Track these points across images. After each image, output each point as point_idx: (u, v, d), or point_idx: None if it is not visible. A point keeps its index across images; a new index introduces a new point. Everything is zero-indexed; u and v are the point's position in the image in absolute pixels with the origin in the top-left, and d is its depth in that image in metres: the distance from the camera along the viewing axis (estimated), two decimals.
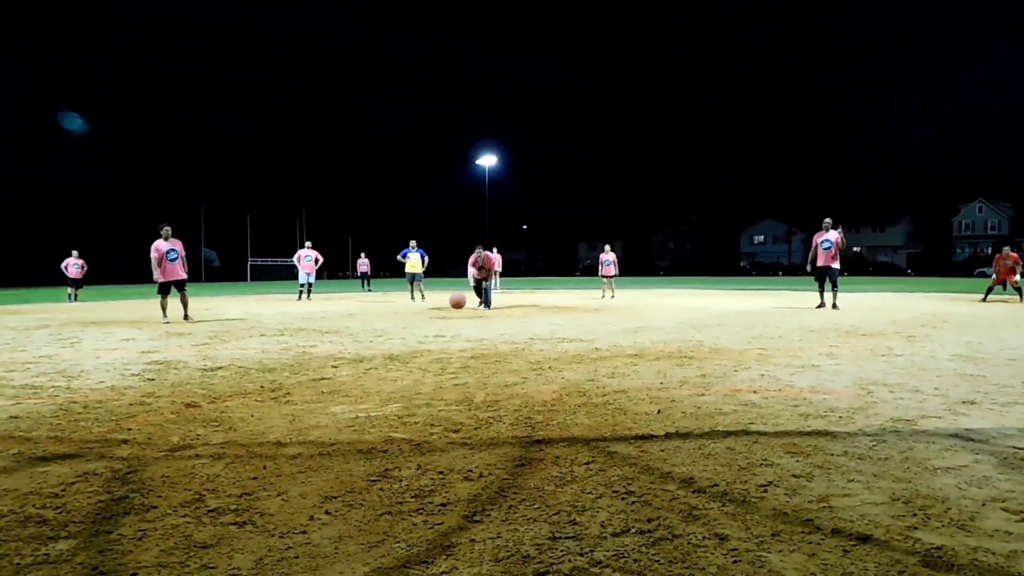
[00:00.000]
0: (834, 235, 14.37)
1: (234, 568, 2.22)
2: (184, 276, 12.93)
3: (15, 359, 7.43)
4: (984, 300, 17.78)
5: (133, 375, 6.19)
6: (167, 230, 12.71)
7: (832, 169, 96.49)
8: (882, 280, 45.64)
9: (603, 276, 22.62)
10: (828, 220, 14.59)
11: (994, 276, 18.47)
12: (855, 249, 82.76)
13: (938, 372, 5.95)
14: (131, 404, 4.88)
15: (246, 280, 60.38)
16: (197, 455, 3.56)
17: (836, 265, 14.45)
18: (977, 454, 3.45)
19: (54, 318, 14.40)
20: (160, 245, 12.64)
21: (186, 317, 12.77)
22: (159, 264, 12.63)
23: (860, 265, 77.47)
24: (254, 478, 3.16)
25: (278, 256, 64.73)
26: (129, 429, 4.13)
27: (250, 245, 63.63)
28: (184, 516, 2.68)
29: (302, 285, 22.01)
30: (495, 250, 27.55)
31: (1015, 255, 18.07)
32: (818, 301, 15.08)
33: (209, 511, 2.74)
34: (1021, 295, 17.60)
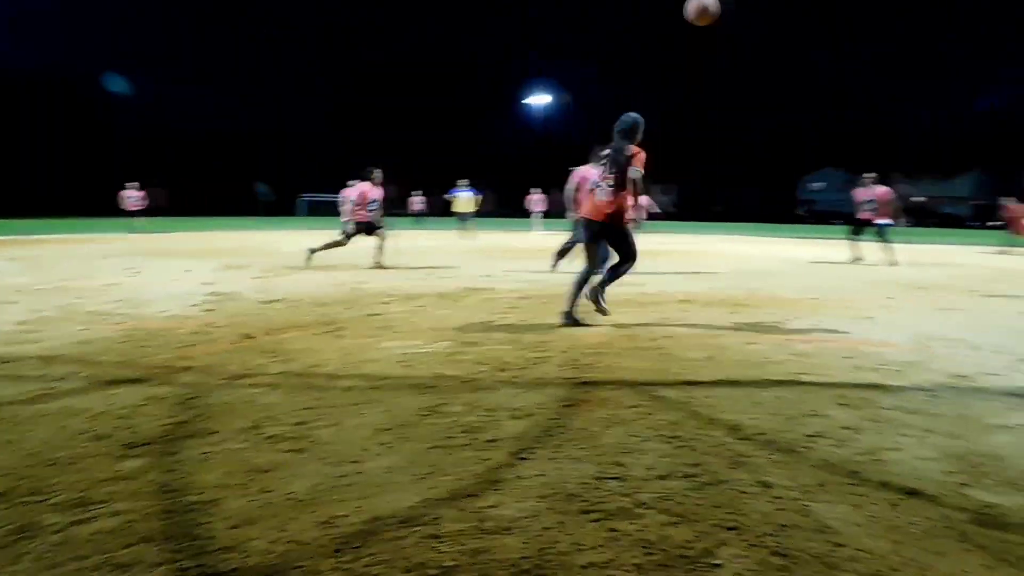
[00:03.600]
0: (880, 192, 13.01)
1: (291, 492, 2.32)
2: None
3: (85, 286, 7.74)
4: None
5: (193, 305, 6.40)
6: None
7: (897, 116, 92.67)
8: (946, 232, 44.04)
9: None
10: (871, 175, 13.23)
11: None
12: (919, 199, 79.73)
13: (1001, 328, 5.78)
14: (192, 333, 5.06)
15: (299, 215, 61.28)
16: (255, 384, 3.69)
17: (883, 220, 13.01)
18: None
19: (120, 248, 14.92)
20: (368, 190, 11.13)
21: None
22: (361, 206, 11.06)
23: (923, 216, 74.79)
24: (309, 408, 3.27)
25: (331, 192, 65.44)
26: (191, 357, 4.29)
27: (302, 181, 64.28)
28: (244, 442, 2.80)
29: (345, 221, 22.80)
30: (538, 190, 26.69)
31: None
32: (852, 255, 13.38)
33: (267, 438, 2.85)
34: None
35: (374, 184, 11.15)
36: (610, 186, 5.56)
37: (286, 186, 65.56)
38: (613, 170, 5.56)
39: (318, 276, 9.20)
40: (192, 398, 3.40)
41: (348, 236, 11.09)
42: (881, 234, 13.17)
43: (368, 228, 11.09)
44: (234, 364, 4.12)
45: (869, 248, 13.50)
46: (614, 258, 5.85)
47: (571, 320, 5.59)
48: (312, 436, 2.89)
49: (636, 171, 5.41)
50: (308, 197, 63.92)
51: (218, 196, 57.41)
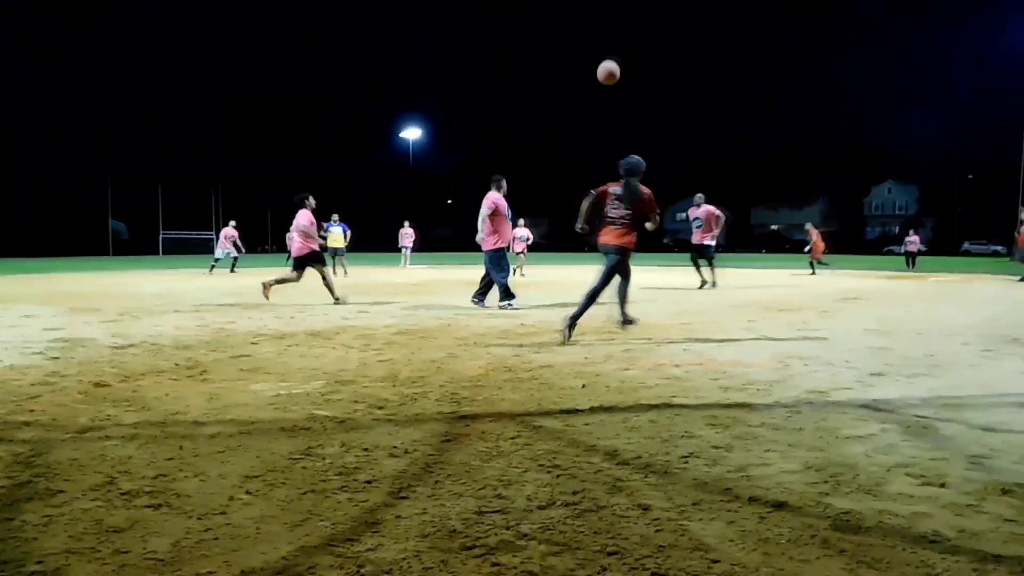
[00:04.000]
0: (704, 211, 13.88)
1: (150, 552, 2.14)
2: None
3: None
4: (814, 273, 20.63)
5: (35, 353, 5.87)
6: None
7: (753, 149, 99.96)
8: (799, 257, 47.32)
9: (514, 252, 19.97)
10: (700, 196, 14.14)
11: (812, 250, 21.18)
12: (773, 227, 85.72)
13: (850, 345, 6.23)
14: (33, 384, 4.63)
15: (158, 254, 57.97)
16: (108, 436, 3.41)
17: (709, 242, 13.95)
18: (884, 423, 3.63)
19: None
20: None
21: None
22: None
23: (777, 242, 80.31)
24: (170, 459, 3.05)
25: (192, 229, 62.45)
26: (32, 411, 3.91)
27: (162, 217, 60.94)
28: (95, 500, 2.56)
29: (217, 259, 22.70)
30: (407, 223, 26.74)
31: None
32: (698, 281, 14.10)
33: (122, 494, 2.62)
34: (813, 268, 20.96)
35: (311, 210, 11.02)
36: (624, 221, 6.49)
37: (145, 223, 62.00)
38: (629, 206, 6.49)
39: (180, 318, 8.70)
40: (33, 456, 3.09)
41: (302, 269, 10.84)
42: (706, 256, 14.05)
43: (317, 256, 10.97)
44: (84, 416, 3.79)
45: (723, 273, 14.28)
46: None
47: (628, 321, 6.86)
48: (174, 489, 2.68)
49: (654, 220, 6.65)
50: (169, 234, 60.77)
51: (64, 235, 53.42)
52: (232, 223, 22.96)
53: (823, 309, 9.63)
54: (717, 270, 14.22)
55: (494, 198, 9.82)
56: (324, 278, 10.86)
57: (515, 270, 19.56)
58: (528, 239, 21.44)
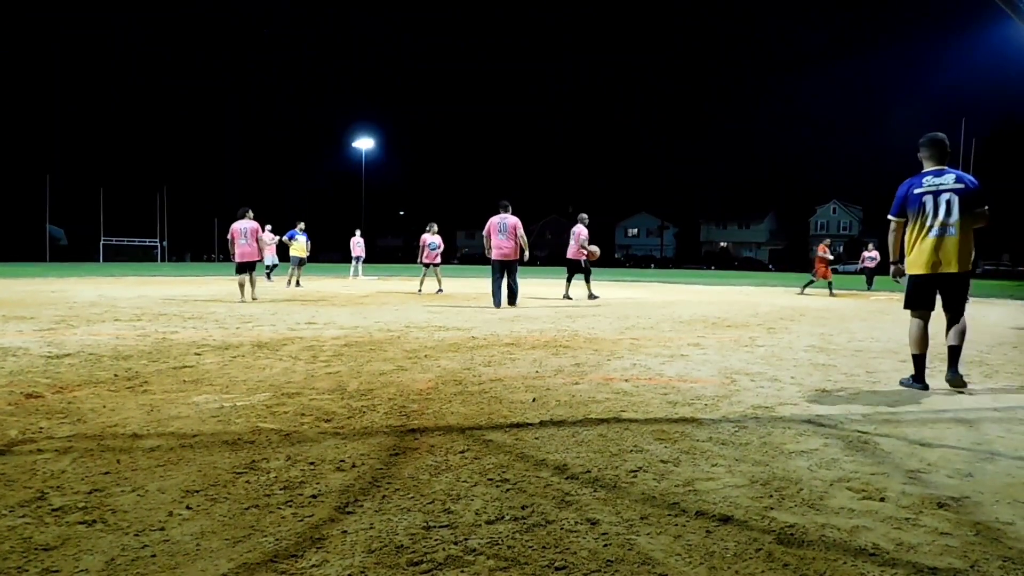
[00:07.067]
0: (575, 229, 14.92)
1: (81, 571, 2.05)
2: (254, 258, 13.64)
3: None
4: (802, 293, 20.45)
5: None
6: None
7: (703, 168, 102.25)
8: (746, 274, 48.33)
9: (422, 263, 17.12)
10: (583, 215, 15.28)
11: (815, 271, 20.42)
12: (722, 244, 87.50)
13: (794, 362, 6.36)
14: None
15: (98, 261, 56.23)
16: (39, 450, 3.27)
17: (578, 258, 14.99)
18: (827, 438, 3.70)
19: None
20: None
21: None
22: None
23: (726, 260, 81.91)
24: (106, 473, 2.94)
25: (135, 236, 60.89)
26: None
27: (103, 223, 59.19)
28: (23, 517, 2.46)
29: (267, 267, 22.68)
30: (358, 232, 25.52)
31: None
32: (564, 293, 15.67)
33: (53, 510, 2.52)
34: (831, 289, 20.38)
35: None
36: None
37: (84, 229, 60.17)
38: None
39: (119, 327, 8.44)
40: None
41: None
42: (580, 271, 15.11)
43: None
44: (13, 428, 3.64)
45: (686, 289, 14.54)
46: None
47: None
48: (109, 504, 2.59)
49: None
50: (110, 241, 59.07)
51: None
52: (268, 227, 22.18)
53: (769, 326, 9.83)
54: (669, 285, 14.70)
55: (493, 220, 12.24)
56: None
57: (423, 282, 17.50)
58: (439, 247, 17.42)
